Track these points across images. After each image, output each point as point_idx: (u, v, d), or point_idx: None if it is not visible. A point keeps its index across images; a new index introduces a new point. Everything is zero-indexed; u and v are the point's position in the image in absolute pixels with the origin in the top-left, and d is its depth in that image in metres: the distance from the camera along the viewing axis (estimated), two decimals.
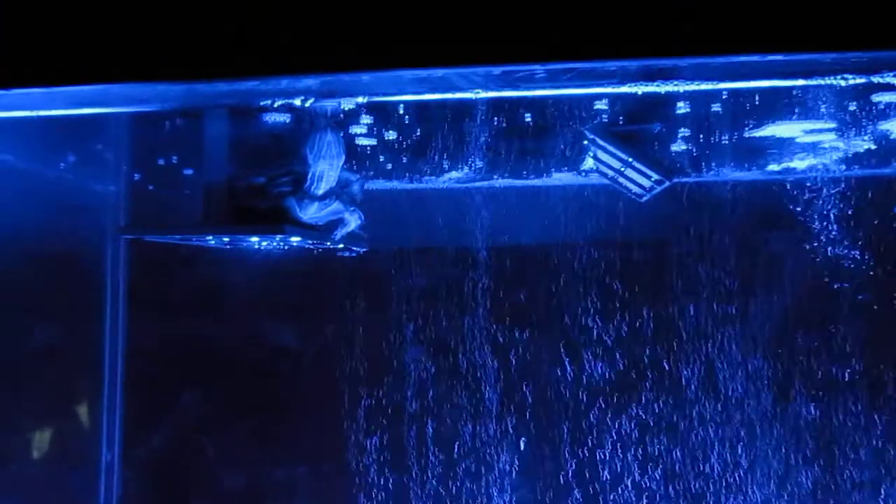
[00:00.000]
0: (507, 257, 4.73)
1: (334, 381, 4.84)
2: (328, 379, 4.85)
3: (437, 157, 4.16)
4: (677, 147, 3.93)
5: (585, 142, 3.97)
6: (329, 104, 3.37)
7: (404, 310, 4.80)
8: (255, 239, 3.83)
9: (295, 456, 4.90)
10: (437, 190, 4.62)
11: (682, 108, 3.50)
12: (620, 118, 3.71)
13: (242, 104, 3.34)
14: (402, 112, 3.67)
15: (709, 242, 4.48)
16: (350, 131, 3.78)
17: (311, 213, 3.65)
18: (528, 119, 3.72)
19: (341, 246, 3.94)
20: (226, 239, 3.80)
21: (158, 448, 5.05)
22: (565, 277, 4.61)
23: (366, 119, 3.73)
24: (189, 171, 4.19)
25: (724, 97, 3.31)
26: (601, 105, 3.59)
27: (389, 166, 4.29)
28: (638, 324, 4.58)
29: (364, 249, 4.08)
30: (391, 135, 3.91)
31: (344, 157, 3.59)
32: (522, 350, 4.70)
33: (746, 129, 3.67)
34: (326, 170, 3.58)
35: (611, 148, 3.91)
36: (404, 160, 4.22)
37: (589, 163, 4.20)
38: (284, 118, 3.48)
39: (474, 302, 4.72)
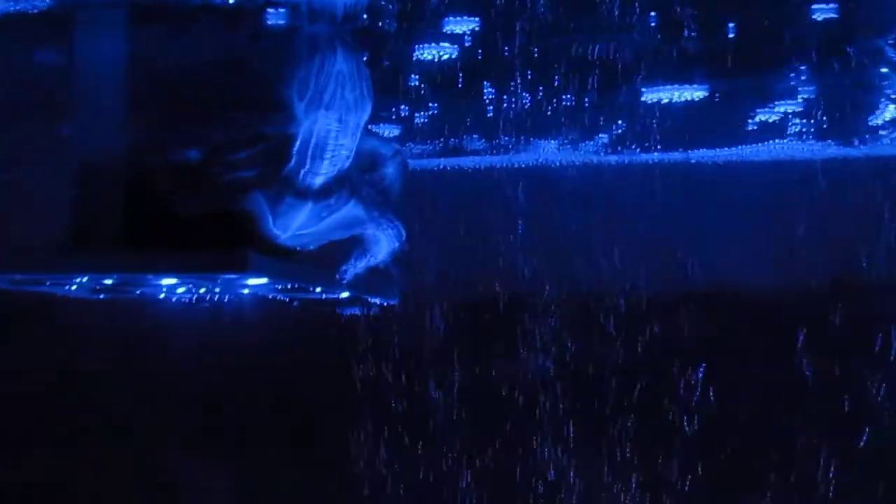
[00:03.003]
0: (697, 313, 4.74)
1: None
2: None
3: (551, 103, 4.25)
4: None
5: (885, 69, 4.01)
6: None
7: (465, 439, 4.93)
8: (169, 282, 3.76)
9: None
10: (546, 169, 4.71)
11: None
12: None
13: None
14: (481, 17, 3.82)
15: None
16: (382, 52, 3.86)
17: (297, 224, 3.58)
18: (743, 25, 3.87)
19: (346, 295, 3.88)
20: (108, 282, 3.74)
21: None
22: (835, 359, 4.71)
23: (425, 33, 3.90)
24: (41, 138, 3.93)
25: None
26: None
27: (454, 128, 4.47)
28: None
29: (393, 301, 4.03)
30: (456, 61, 4.02)
31: (370, 108, 3.51)
32: None
33: None
34: (333, 132, 3.50)
35: None
36: (485, 114, 4.29)
37: (890, 112, 4.27)
38: (251, 25, 3.53)
39: (619, 420, 4.81)
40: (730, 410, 4.95)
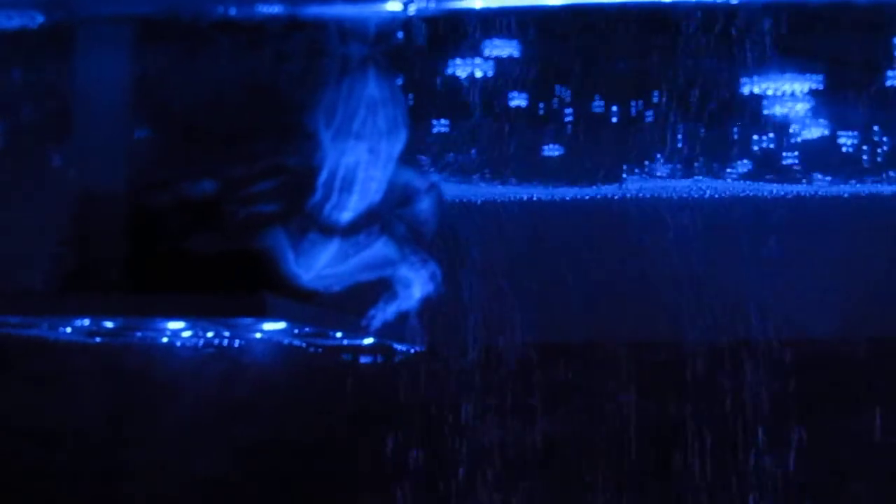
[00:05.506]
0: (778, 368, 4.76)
1: None
2: None
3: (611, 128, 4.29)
4: None
5: None
6: (373, 13, 3.45)
7: None
8: (174, 325, 3.78)
9: None
10: (613, 202, 4.66)
11: None
12: None
13: (175, 14, 3.43)
14: (535, 32, 3.73)
15: None
16: (418, 74, 3.86)
17: (321, 263, 3.57)
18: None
19: (371, 341, 3.93)
20: (108, 325, 3.73)
21: None
22: None
23: (467, 48, 3.80)
24: (38, 168, 3.97)
25: None
26: None
27: (504, 153, 4.43)
28: None
29: (420, 348, 4.11)
30: (510, 79, 3.98)
31: (405, 136, 3.49)
32: None
33: None
34: (363, 165, 3.47)
35: None
36: (542, 140, 4.32)
37: None
38: (273, 45, 3.53)
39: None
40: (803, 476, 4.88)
